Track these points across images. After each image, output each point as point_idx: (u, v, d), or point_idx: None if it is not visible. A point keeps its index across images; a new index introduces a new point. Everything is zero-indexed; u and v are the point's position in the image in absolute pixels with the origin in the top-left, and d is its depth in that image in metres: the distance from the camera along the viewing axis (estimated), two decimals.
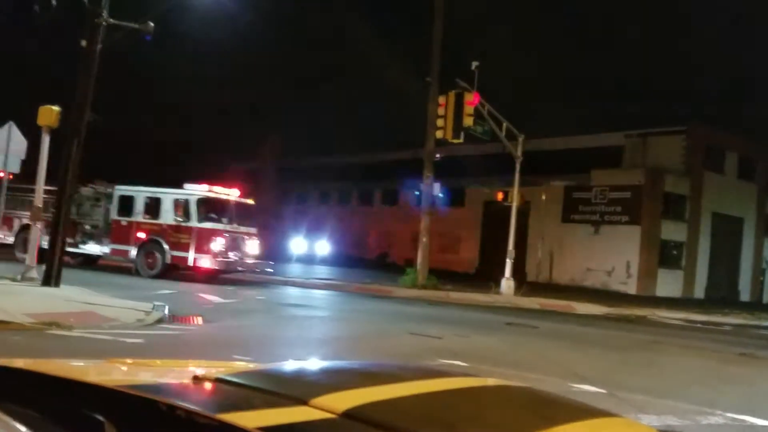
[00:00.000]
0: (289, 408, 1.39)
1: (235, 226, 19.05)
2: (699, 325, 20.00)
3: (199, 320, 10.92)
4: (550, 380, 7.83)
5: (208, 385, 1.59)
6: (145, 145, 49.00)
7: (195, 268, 18.43)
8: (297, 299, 17.27)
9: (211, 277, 19.10)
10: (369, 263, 37.92)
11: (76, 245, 19.60)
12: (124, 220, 19.46)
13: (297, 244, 41.85)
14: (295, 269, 31.01)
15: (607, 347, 12.29)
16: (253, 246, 19.54)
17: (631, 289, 31.18)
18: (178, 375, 1.83)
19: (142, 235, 19.04)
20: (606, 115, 39.23)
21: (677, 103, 41.57)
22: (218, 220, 18.78)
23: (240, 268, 19.32)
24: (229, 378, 1.61)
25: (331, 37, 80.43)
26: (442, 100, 19.69)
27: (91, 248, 20.16)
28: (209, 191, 18.79)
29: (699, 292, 33.56)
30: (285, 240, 41.09)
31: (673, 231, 33.04)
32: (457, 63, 21.08)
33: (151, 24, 13.23)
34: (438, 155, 23.13)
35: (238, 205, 19.46)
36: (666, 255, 33.04)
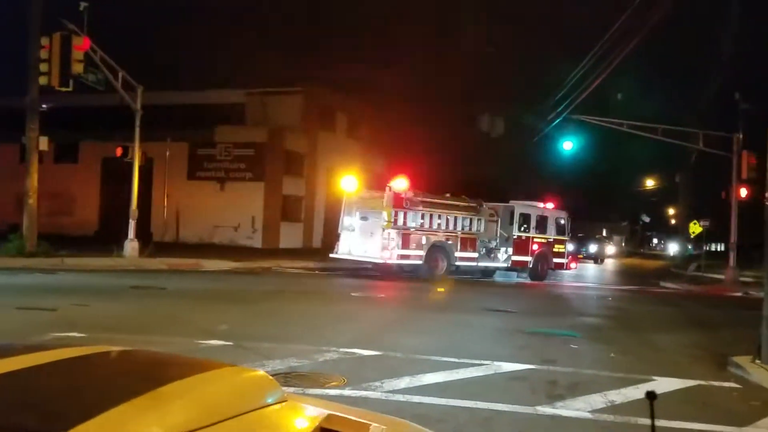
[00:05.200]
0: None
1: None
2: (317, 272, 21.93)
3: None
4: (177, 340, 7.67)
5: None
6: None
7: (568, 268, 25.31)
8: None
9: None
10: None
11: (476, 260, 21.79)
12: (523, 236, 22.82)
13: None
14: None
15: (235, 302, 12.60)
16: None
17: (257, 243, 32.50)
18: None
19: (535, 247, 23.12)
20: (230, 71, 39.45)
21: (299, 64, 43.95)
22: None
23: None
24: None
25: None
26: (45, 41, 17.25)
27: (491, 262, 22.53)
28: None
29: (317, 242, 36.65)
30: None
31: (293, 186, 35.27)
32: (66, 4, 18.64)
33: None
34: (45, 105, 20.48)
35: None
36: (288, 209, 35.18)
